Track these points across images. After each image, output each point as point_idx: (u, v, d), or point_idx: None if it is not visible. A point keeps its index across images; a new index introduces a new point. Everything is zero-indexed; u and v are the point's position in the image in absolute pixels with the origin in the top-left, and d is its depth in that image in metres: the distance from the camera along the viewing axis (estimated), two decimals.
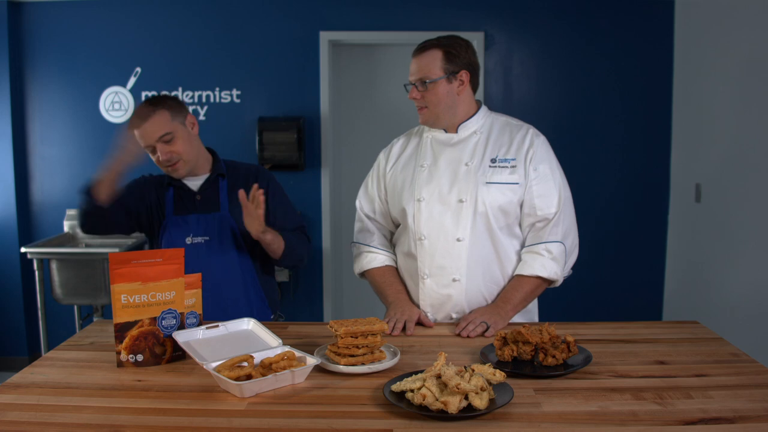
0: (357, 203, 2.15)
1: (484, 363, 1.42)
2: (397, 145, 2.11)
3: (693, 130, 3.82)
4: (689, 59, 3.86)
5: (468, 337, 1.77)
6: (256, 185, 1.94)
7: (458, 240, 1.91)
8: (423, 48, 1.93)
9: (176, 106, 2.06)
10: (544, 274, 1.89)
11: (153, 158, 2.06)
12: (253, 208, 1.90)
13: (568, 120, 4.09)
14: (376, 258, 2.07)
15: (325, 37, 4.08)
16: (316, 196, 4.19)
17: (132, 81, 4.13)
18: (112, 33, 4.09)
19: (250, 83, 4.11)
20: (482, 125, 1.99)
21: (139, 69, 4.12)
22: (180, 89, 4.11)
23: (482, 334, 1.78)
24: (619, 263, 4.19)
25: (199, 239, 2.07)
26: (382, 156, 2.12)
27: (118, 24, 4.09)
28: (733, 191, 3.30)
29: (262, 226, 1.95)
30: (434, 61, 1.90)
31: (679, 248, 4.02)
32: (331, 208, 4.21)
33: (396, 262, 2.09)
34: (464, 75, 1.93)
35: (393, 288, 2.01)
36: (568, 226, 1.95)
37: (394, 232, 2.12)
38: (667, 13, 4.01)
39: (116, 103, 4.13)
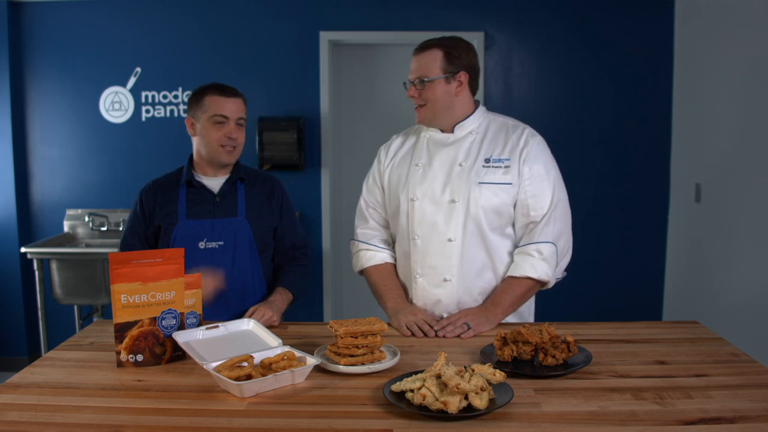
0: (363, 189, 2.12)
1: (484, 363, 1.42)
2: (396, 142, 2.11)
3: (693, 130, 3.82)
4: (689, 59, 3.86)
5: (444, 337, 1.77)
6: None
7: (449, 240, 1.90)
8: (424, 47, 1.92)
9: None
10: (535, 275, 1.87)
11: (214, 129, 2.02)
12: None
13: (567, 120, 4.09)
14: (375, 256, 2.06)
15: (325, 37, 4.08)
16: (316, 196, 4.19)
17: (132, 81, 4.12)
18: (112, 33, 4.09)
19: (250, 83, 4.09)
20: (479, 125, 1.97)
21: (139, 69, 4.12)
22: (180, 89, 4.11)
23: (459, 336, 1.77)
24: (619, 263, 4.18)
25: (213, 244, 2.02)
26: (382, 150, 2.11)
27: (118, 24, 4.08)
28: (733, 191, 3.30)
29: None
30: (434, 60, 1.89)
31: (679, 248, 4.02)
32: (331, 208, 4.21)
33: (395, 260, 2.08)
34: (463, 76, 1.91)
35: (392, 293, 1.98)
36: (561, 227, 1.91)
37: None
38: (667, 14, 4.01)
39: (116, 103, 4.13)
